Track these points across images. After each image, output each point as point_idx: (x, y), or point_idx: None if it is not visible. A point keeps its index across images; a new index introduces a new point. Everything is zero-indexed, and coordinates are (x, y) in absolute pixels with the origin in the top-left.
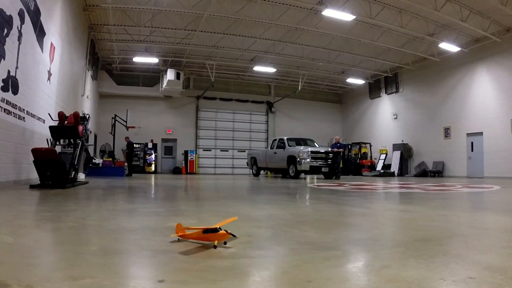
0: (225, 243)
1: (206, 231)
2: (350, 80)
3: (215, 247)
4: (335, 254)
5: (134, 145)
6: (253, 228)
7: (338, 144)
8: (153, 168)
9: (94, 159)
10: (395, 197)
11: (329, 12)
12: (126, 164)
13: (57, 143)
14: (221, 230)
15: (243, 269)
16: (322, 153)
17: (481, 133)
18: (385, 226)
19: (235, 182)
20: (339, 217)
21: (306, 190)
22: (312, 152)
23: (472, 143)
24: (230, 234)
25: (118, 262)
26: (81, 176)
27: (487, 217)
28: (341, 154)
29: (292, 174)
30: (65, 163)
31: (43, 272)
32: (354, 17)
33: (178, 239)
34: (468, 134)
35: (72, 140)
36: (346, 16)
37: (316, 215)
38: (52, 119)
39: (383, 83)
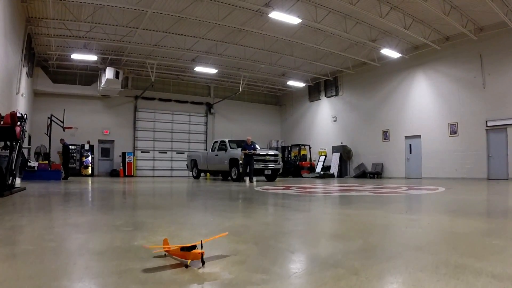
0: (203, 262)
1: (182, 248)
2: (290, 83)
3: (186, 266)
4: (345, 273)
5: (70, 146)
6: (234, 244)
7: (252, 146)
8: (90, 170)
9: (29, 162)
10: (352, 202)
11: (276, 15)
12: (62, 167)
13: None
14: (196, 248)
15: None
16: (264, 155)
17: (419, 136)
18: (368, 234)
19: (181, 186)
20: (315, 226)
21: (258, 195)
22: (255, 155)
23: (410, 145)
24: (201, 256)
25: None
26: (17, 181)
27: (453, 220)
28: (254, 156)
29: (235, 177)
30: (2, 168)
31: None
32: (301, 20)
33: (165, 254)
34: (407, 137)
35: (8, 142)
36: (292, 19)
37: (289, 224)
38: None
39: (323, 86)
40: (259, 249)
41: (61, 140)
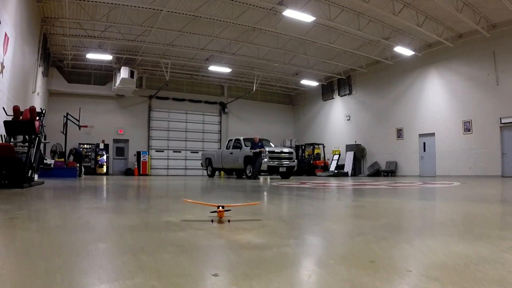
0: (229, 221)
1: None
2: (304, 82)
3: (212, 221)
4: (374, 239)
5: (83, 146)
6: (262, 221)
7: (260, 144)
8: (104, 169)
9: (46, 160)
10: (370, 193)
11: (289, 13)
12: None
13: (12, 139)
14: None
15: (294, 257)
16: (279, 153)
17: (433, 134)
18: (390, 215)
19: (198, 182)
20: (337, 210)
21: (276, 188)
22: (269, 152)
23: (424, 143)
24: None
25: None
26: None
27: (471, 205)
28: (261, 154)
29: (250, 175)
30: (22, 161)
31: None
32: (314, 18)
33: None
34: (421, 135)
35: (27, 137)
36: (306, 17)
37: (311, 208)
38: (6, 114)
39: (336, 85)
40: (286, 224)
41: (71, 149)
